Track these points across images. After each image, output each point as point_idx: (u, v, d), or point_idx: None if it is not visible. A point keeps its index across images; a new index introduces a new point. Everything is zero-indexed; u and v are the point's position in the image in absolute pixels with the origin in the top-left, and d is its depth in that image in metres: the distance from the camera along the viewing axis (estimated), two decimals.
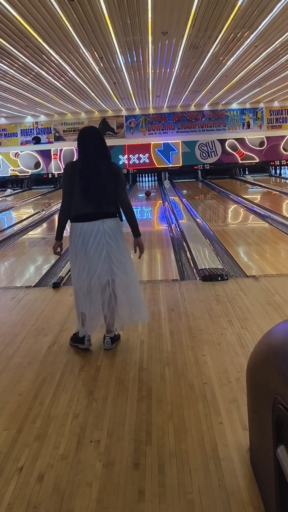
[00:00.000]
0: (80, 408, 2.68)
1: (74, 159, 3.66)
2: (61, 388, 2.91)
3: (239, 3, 6.73)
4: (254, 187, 16.20)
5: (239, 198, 12.74)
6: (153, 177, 19.77)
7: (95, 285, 3.37)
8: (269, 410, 1.71)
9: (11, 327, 4.02)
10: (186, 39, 8.66)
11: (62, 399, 2.78)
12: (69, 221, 3.44)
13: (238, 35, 8.59)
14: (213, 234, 7.69)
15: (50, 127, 19.73)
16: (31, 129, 19.89)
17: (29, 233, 9.34)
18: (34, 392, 2.89)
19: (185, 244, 7.01)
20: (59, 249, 3.53)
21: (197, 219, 9.37)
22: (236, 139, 19.44)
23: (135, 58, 10.12)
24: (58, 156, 19.78)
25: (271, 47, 9.74)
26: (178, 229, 8.32)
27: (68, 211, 3.41)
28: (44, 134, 19.85)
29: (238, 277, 5.14)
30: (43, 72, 10.75)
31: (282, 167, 19.52)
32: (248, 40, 9.01)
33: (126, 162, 19.52)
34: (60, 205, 3.50)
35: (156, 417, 2.53)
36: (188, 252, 6.50)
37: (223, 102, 18.73)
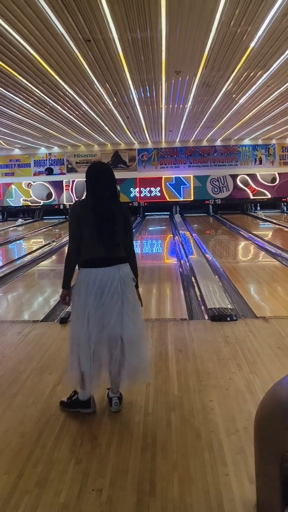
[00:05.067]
0: (83, 453, 2.64)
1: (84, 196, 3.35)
2: (64, 431, 2.88)
3: (252, 45, 6.91)
4: (265, 223, 16.25)
5: (250, 234, 12.76)
6: (164, 211, 19.98)
7: (105, 339, 3.04)
8: (277, 468, 1.68)
9: (17, 363, 4.01)
10: (199, 78, 8.87)
11: (65, 443, 2.75)
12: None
13: (251, 74, 8.79)
14: (223, 271, 7.69)
15: (63, 159, 20.11)
16: (44, 160, 20.29)
17: (39, 264, 9.41)
18: (37, 434, 2.86)
19: (194, 281, 7.00)
20: (68, 299, 3.17)
21: (207, 255, 9.38)
22: (248, 175, 19.63)
23: (148, 94, 10.36)
24: (70, 187, 20.10)
25: (284, 86, 9.93)
26: (188, 265, 8.33)
27: (78, 255, 3.07)
28: (57, 165, 20.22)
29: (248, 317, 5.11)
30: (58, 106, 11.04)
31: None
32: (261, 79, 9.20)
33: (138, 195, 19.78)
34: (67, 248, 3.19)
35: (160, 466, 2.49)
36: (197, 289, 6.49)
37: (236, 137, 19.04)
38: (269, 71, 8.53)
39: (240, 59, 7.64)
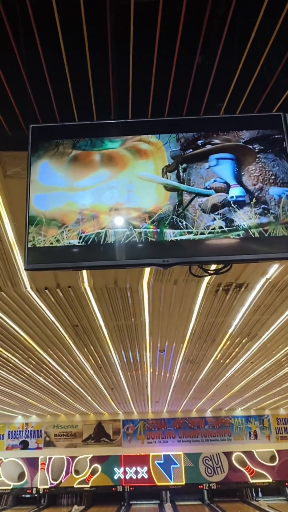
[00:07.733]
0: None
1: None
2: None
3: (230, 331, 7.99)
4: None
5: None
6: (152, 498, 18.58)
7: None
8: None
9: None
10: (183, 355, 9.84)
11: None
12: None
13: (232, 354, 9.78)
14: None
15: (40, 430, 19.73)
16: (20, 431, 19.81)
17: None
18: None
19: None
20: None
21: None
22: (243, 452, 19.13)
23: (133, 367, 11.19)
24: (46, 466, 18.96)
25: (268, 362, 10.85)
26: None
27: None
28: (33, 437, 19.63)
29: None
30: (38, 376, 11.66)
31: None
32: (248, 353, 10.12)
33: (122, 477, 18.62)
34: None
35: None
36: None
37: (227, 408, 19.30)
38: (249, 351, 9.55)
39: (220, 343, 8.71)
